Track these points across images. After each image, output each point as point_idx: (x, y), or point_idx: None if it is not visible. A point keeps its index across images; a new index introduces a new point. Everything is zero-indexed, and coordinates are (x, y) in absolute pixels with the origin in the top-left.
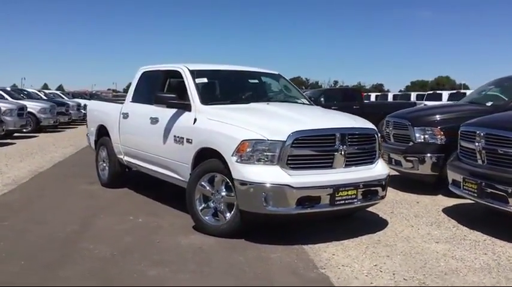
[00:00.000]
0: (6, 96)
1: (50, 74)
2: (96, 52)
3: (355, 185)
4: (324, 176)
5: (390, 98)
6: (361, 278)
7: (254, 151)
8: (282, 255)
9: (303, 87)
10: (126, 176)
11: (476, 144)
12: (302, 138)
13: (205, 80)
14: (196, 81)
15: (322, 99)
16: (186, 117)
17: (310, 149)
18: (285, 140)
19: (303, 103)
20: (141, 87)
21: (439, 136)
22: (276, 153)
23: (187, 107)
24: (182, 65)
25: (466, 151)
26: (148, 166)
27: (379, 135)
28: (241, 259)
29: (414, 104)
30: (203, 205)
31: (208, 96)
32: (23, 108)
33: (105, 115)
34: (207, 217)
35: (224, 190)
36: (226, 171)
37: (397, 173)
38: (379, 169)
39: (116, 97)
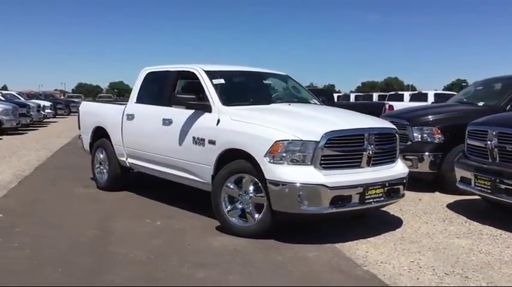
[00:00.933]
0: None
1: None
2: (43, 52)
3: (382, 184)
4: (354, 175)
5: (376, 98)
6: (405, 274)
7: (287, 151)
8: (319, 254)
9: None
10: (125, 179)
11: (489, 142)
12: (334, 139)
13: (222, 81)
14: (214, 82)
15: None
16: (206, 119)
17: (341, 149)
18: (318, 140)
19: (315, 103)
20: (148, 88)
21: (437, 135)
22: (310, 153)
23: (207, 108)
24: (196, 65)
25: (475, 149)
26: (159, 168)
27: (398, 134)
28: (280, 258)
29: (383, 105)
30: (230, 206)
31: (228, 97)
32: None
33: (104, 117)
34: (233, 218)
35: (252, 190)
36: (255, 172)
37: None
38: (400, 168)
39: (70, 97)
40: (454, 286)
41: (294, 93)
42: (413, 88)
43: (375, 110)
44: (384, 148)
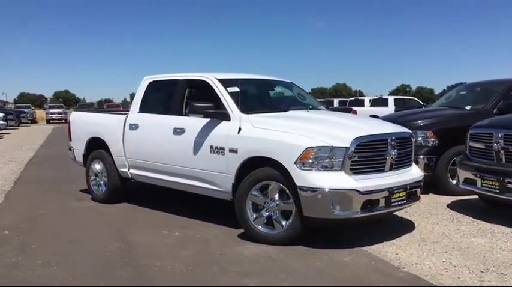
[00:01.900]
0: None
1: None
2: None
3: (404, 187)
4: (380, 179)
5: (336, 104)
6: (444, 274)
7: (318, 157)
8: (353, 258)
9: None
10: (124, 191)
11: (495, 144)
12: (363, 144)
13: (236, 89)
14: (229, 91)
15: None
16: (225, 127)
17: (368, 154)
18: (348, 146)
19: (326, 110)
20: (152, 97)
21: (431, 139)
22: (340, 159)
23: (225, 117)
24: (208, 74)
25: (478, 151)
26: (168, 178)
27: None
28: (318, 264)
29: (350, 109)
30: (255, 214)
31: (246, 105)
32: None
33: (102, 127)
34: (260, 226)
35: (279, 197)
36: (282, 178)
37: None
38: (416, 171)
39: (19, 108)
40: (495, 284)
41: (304, 100)
42: (360, 94)
43: None
44: (403, 152)
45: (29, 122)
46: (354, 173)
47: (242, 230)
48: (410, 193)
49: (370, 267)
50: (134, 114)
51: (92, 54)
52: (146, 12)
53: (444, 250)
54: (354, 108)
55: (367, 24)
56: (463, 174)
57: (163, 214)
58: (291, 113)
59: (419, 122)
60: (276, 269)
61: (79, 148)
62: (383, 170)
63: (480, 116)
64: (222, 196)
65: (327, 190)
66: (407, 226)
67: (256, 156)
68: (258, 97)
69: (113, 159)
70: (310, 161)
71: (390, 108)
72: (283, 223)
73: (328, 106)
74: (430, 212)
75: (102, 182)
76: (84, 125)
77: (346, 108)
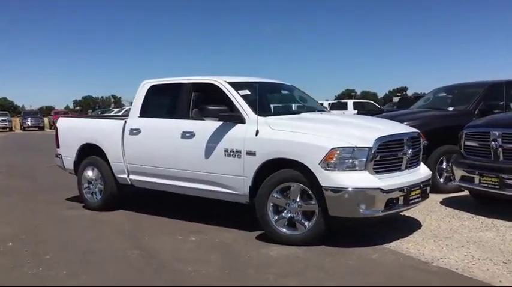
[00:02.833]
0: None
1: None
2: None
3: (419, 185)
4: (399, 178)
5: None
6: (473, 267)
7: (342, 158)
8: (380, 255)
9: None
10: (120, 197)
11: (493, 143)
12: (384, 144)
13: (247, 91)
14: (241, 94)
15: None
16: (241, 130)
17: (388, 153)
18: (371, 146)
19: (331, 112)
20: (154, 101)
21: (421, 139)
22: (364, 159)
23: (240, 119)
24: (216, 77)
25: (474, 149)
26: (175, 183)
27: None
28: (350, 262)
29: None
30: (277, 216)
31: (260, 108)
32: None
33: (97, 133)
34: (282, 228)
35: (300, 198)
36: (305, 179)
37: None
38: (425, 170)
39: None
40: None
41: (308, 103)
42: None
43: None
44: (415, 151)
45: None
46: (376, 172)
47: (258, 233)
48: (422, 190)
49: (400, 263)
50: (134, 119)
51: (30, 60)
52: (81, 16)
53: (460, 244)
54: (335, 111)
55: (311, 31)
56: (459, 172)
57: (166, 219)
58: (304, 115)
59: (410, 123)
60: (312, 270)
61: (69, 154)
62: (400, 169)
63: (463, 116)
64: (237, 199)
65: (353, 189)
66: (413, 223)
67: (276, 158)
68: (268, 100)
69: (109, 165)
70: (335, 161)
71: (350, 112)
72: (306, 223)
73: None
74: (429, 210)
75: (96, 189)
76: (75, 131)
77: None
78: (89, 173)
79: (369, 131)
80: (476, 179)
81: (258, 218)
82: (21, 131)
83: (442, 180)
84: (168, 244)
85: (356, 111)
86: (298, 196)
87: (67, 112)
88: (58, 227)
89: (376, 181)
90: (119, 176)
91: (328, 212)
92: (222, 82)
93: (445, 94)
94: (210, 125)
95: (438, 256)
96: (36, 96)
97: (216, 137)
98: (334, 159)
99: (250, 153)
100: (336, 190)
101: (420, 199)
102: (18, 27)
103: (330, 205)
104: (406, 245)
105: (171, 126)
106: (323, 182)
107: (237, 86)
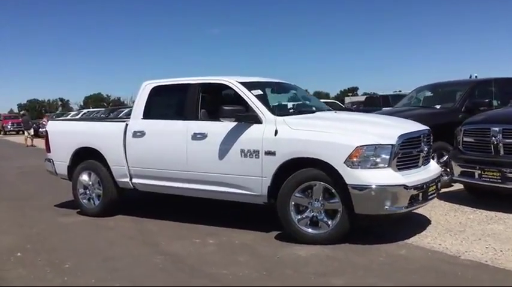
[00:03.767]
0: None
1: None
2: None
3: (434, 181)
4: (418, 174)
5: None
6: (499, 258)
7: (366, 155)
8: (408, 251)
9: (105, 104)
10: (120, 203)
11: (493, 138)
12: (405, 141)
13: (260, 91)
14: (254, 93)
15: None
16: (258, 130)
17: (409, 150)
18: (394, 143)
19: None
20: (159, 103)
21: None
22: (387, 156)
23: (256, 119)
24: (227, 77)
25: (474, 145)
26: (185, 185)
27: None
28: (382, 259)
29: None
30: (299, 216)
31: (276, 107)
32: None
33: (95, 136)
34: (304, 227)
35: (323, 197)
36: (328, 178)
37: None
38: (436, 166)
39: None
40: None
41: (313, 102)
42: None
43: None
44: (428, 148)
45: None
46: (399, 169)
47: (275, 233)
48: (437, 186)
49: (431, 258)
50: (137, 121)
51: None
52: (21, 16)
53: (476, 237)
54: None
55: (259, 33)
56: (458, 167)
57: (171, 223)
58: (319, 114)
59: None
60: (348, 268)
61: (62, 159)
62: (417, 166)
63: (451, 113)
64: (255, 200)
65: (378, 186)
66: (422, 219)
67: (297, 157)
68: (278, 99)
69: (109, 169)
70: (359, 159)
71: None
72: (330, 222)
73: None
74: (431, 205)
75: (94, 194)
76: (69, 134)
77: None
78: (85, 178)
79: (391, 128)
80: (477, 174)
81: (278, 219)
82: None
83: None
84: (188, 248)
85: None
86: (321, 194)
87: (17, 116)
88: (61, 234)
89: (400, 177)
90: (120, 180)
91: (352, 210)
92: (233, 82)
93: (429, 92)
94: (223, 126)
95: (462, 250)
96: None
97: (231, 137)
98: (358, 157)
99: (270, 153)
100: (362, 188)
101: (435, 194)
102: None
103: (356, 202)
104: (426, 240)
105: (179, 128)
106: (348, 180)
107: (249, 86)
